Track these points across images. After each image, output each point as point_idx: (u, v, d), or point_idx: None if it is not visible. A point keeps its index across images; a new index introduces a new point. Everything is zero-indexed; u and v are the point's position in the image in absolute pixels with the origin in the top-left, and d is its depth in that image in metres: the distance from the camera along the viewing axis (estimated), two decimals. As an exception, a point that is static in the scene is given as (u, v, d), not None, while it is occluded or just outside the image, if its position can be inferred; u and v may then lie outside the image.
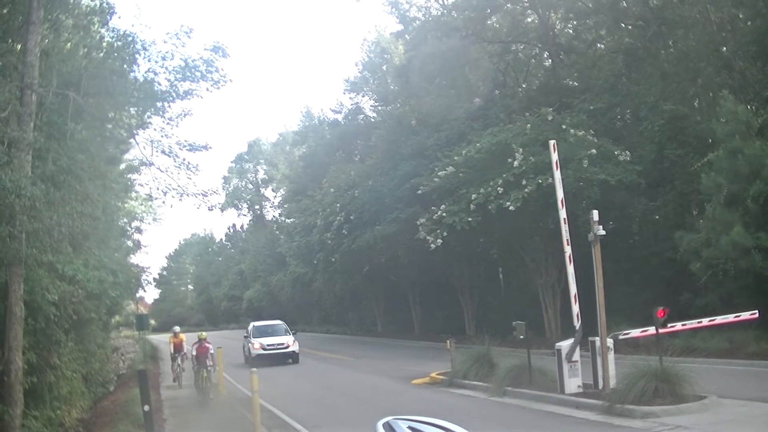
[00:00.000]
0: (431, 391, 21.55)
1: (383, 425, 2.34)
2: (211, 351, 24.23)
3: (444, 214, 31.89)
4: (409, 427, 2.27)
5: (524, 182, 28.94)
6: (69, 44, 23.54)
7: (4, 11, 20.12)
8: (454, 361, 22.51)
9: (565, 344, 17.90)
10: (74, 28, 23.90)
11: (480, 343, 22.85)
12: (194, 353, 24.66)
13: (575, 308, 17.27)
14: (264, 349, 35.07)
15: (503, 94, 41.89)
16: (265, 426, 17.01)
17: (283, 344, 35.55)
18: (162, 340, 64.54)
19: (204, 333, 26.34)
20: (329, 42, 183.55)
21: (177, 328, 30.30)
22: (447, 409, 17.72)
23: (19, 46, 19.02)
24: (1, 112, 17.40)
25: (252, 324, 39.73)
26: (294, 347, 35.60)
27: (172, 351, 28.76)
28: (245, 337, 38.68)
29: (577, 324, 17.40)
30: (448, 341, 23.12)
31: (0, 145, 16.29)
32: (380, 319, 55.64)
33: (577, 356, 17.76)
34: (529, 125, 31.66)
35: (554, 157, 17.98)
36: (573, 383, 17.70)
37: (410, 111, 42.30)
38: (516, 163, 29.63)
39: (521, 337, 19.98)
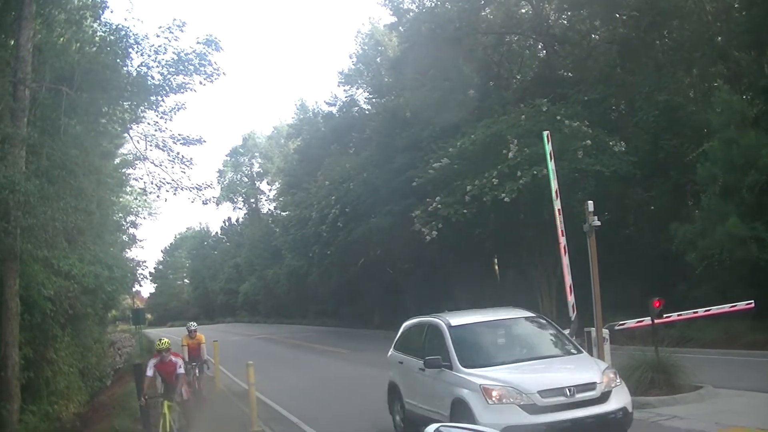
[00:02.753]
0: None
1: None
2: (181, 370, 15.41)
3: (439, 206, 31.82)
4: None
5: (519, 173, 28.89)
6: (62, 39, 23.50)
7: (-4, 6, 20.09)
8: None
9: (561, 335, 17.82)
10: (67, 23, 23.85)
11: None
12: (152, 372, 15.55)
13: (571, 299, 17.24)
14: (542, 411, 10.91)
15: (498, 85, 41.80)
16: (261, 419, 17.01)
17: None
18: (159, 335, 64.74)
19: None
20: (323, 34, 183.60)
21: (193, 325, 21.28)
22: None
23: (11, 42, 18.99)
24: (-6, 107, 17.44)
25: (443, 321, 13.51)
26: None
27: (186, 359, 18.85)
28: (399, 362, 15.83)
29: (573, 315, 17.39)
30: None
31: (-7, 141, 16.27)
32: (377, 312, 55.56)
33: (573, 347, 17.68)
34: (523, 116, 31.62)
35: (549, 148, 17.95)
36: (569, 374, 17.54)
37: (404, 103, 42.25)
38: (511, 155, 29.58)
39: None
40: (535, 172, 27.76)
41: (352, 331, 49.11)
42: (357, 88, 64.43)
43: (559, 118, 30.22)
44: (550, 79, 37.46)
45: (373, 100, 59.74)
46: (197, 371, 20.34)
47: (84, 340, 27.03)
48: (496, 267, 44.05)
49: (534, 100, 32.92)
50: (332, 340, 41.54)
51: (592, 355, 14.46)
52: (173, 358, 15.24)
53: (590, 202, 16.98)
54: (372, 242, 42.42)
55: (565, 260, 17.27)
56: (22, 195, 15.58)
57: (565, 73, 39.36)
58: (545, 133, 18.49)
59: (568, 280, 17.18)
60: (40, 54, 19.70)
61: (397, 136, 39.60)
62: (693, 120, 28.99)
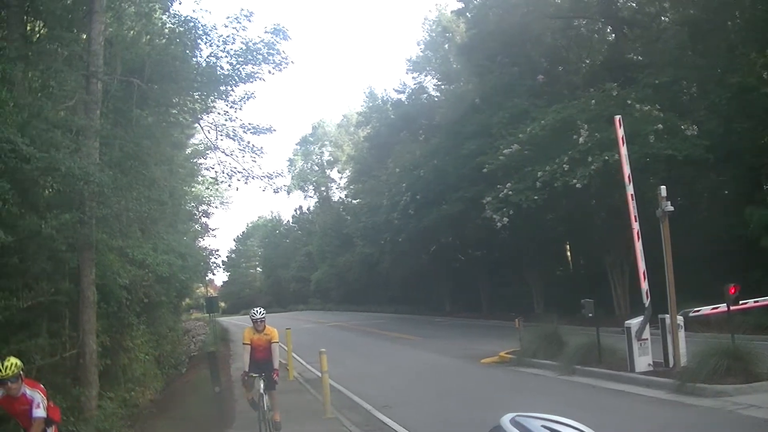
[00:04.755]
0: (500, 370, 21.42)
1: (510, 421, 2.20)
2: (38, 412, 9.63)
3: (510, 192, 31.55)
4: (544, 426, 2.12)
5: (590, 159, 28.44)
6: (132, 32, 23.86)
7: (68, 1, 20.41)
8: (522, 339, 22.32)
9: (634, 322, 17.61)
10: (136, 16, 24.21)
11: (548, 321, 22.60)
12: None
13: (644, 285, 16.98)
14: None
15: (566, 70, 41.29)
16: (335, 406, 17.07)
17: None
18: (233, 323, 65.41)
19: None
20: (390, 21, 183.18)
21: (260, 311, 14.65)
22: (516, 388, 17.64)
23: (83, 36, 19.29)
24: (68, 101, 17.74)
25: None
26: None
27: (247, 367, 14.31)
28: None
29: (647, 301, 17.11)
30: (516, 320, 22.94)
31: (68, 133, 16.55)
32: (448, 299, 55.51)
33: (647, 334, 17.47)
34: (593, 101, 31.12)
35: (620, 132, 17.68)
36: (643, 361, 17.41)
37: (473, 89, 42.01)
38: (581, 140, 29.14)
39: (590, 315, 19.68)
40: (606, 158, 27.30)
41: (423, 318, 49.09)
42: (425, 75, 64.28)
43: (629, 102, 29.65)
44: (620, 63, 36.81)
45: (442, 86, 59.57)
46: (261, 387, 14.09)
47: (159, 328, 27.49)
48: (568, 253, 43.65)
49: (603, 84, 32.38)
50: (404, 327, 41.53)
51: (666, 342, 14.19)
52: (27, 391, 9.61)
53: (663, 187, 16.70)
54: (443, 229, 42.32)
55: (638, 246, 17.01)
56: (96, 186, 15.81)
57: (635, 57, 38.61)
58: (617, 117, 18.22)
59: (642, 265, 16.92)
60: (111, 47, 19.99)
61: (466, 123, 39.38)
62: (766, 102, 28.20)
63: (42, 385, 10.08)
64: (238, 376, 26.38)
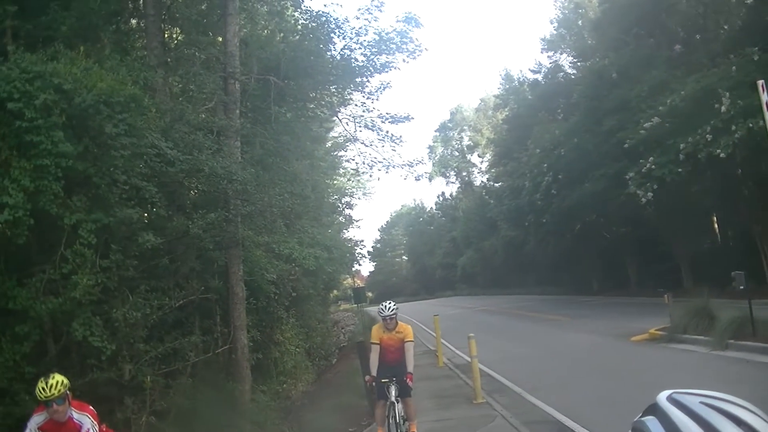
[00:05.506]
0: (651, 347, 20.75)
1: (667, 398, 2.03)
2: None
3: (653, 166, 30.61)
4: (702, 402, 1.94)
5: (733, 127, 27.20)
6: (265, 31, 24.31)
7: (203, 6, 20.95)
8: (672, 315, 21.58)
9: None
10: (269, 15, 24.65)
11: (698, 296, 21.77)
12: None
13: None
14: None
15: (704, 38, 39.63)
16: (485, 391, 16.97)
17: None
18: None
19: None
20: (522, 1, 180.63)
21: (390, 305, 12.41)
22: (669, 366, 17.03)
23: (219, 39, 19.73)
24: (208, 102, 18.21)
25: None
26: None
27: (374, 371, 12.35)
28: None
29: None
30: (665, 296, 22.22)
31: (210, 135, 16.97)
32: (595, 278, 54.51)
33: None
34: (734, 68, 29.70)
35: (764, 98, 16.78)
36: (802, 334, 16.57)
37: (610, 64, 40.99)
38: (723, 108, 27.90)
39: (741, 287, 18.81)
40: (750, 125, 26.05)
41: (570, 299, 48.31)
42: (560, 53, 63.15)
43: (772, 65, 28.22)
44: (760, 27, 35.03)
45: (578, 63, 58.36)
46: (393, 394, 12.14)
47: (308, 320, 27.93)
48: (716, 225, 42.04)
49: (744, 49, 30.93)
50: (551, 308, 40.95)
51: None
52: (74, 414, 8.25)
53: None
54: (587, 208, 41.58)
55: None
56: (239, 184, 16.16)
57: (775, 18, 36.72)
58: (759, 82, 17.31)
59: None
60: (246, 47, 20.38)
61: (604, 99, 38.48)
62: None
63: (92, 407, 8.41)
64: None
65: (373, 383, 12.26)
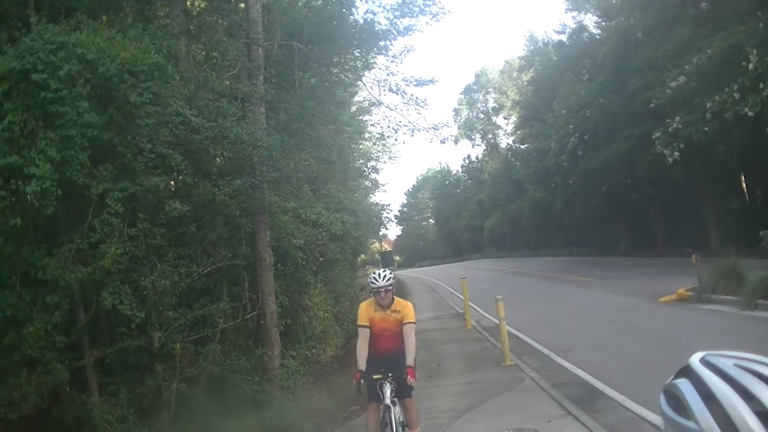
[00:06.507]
0: (679, 308, 20.67)
1: (700, 361, 2.00)
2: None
3: (679, 126, 30.35)
4: (736, 365, 1.91)
5: (761, 85, 26.81)
6: (288, -4, 24.15)
7: (225, -28, 20.86)
8: (700, 276, 21.46)
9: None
10: (291, -20, 24.50)
11: (726, 256, 21.61)
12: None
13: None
14: None
15: (731, -6, 39.09)
16: (514, 353, 17.02)
17: None
18: (409, 275, 66.11)
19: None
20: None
21: (384, 274, 9.58)
22: (698, 326, 16.95)
23: (242, 5, 19.66)
24: (231, 69, 18.19)
25: None
26: None
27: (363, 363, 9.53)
28: None
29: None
30: (693, 256, 22.09)
31: (234, 101, 16.96)
32: (622, 239, 54.32)
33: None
34: (761, 24, 29.20)
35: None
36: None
37: (635, 24, 40.48)
38: (751, 66, 27.49)
39: (769, 246, 18.68)
40: (779, 83, 25.73)
41: (598, 260, 48.19)
42: (585, 13, 62.36)
43: (801, 22, 27.74)
44: (788, -18, 34.50)
45: (603, 23, 57.67)
46: (388, 395, 9.28)
47: (336, 285, 28.03)
48: (744, 185, 41.65)
49: (772, 5, 30.42)
50: (579, 269, 40.87)
51: None
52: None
53: None
54: (613, 168, 41.43)
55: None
56: (265, 150, 16.16)
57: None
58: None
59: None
60: (268, 13, 20.29)
61: (630, 59, 38.10)
62: None
63: None
64: (417, 329, 26.55)
65: (362, 380, 9.23)
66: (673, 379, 2.01)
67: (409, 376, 8.95)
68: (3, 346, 11.73)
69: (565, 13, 69.49)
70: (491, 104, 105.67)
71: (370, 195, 51.28)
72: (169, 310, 13.61)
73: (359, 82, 27.62)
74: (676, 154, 30.90)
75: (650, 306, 21.57)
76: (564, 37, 62.88)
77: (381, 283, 9.31)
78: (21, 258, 11.97)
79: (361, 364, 9.29)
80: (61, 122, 11.20)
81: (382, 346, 9.51)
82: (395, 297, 9.64)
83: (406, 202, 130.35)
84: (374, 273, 9.66)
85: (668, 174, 38.09)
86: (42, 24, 12.26)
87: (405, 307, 9.54)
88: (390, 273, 9.64)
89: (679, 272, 25.77)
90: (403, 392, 9.35)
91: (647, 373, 11.89)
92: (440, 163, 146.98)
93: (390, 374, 9.22)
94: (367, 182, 50.19)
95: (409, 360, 9.12)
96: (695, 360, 2.07)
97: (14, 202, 11.02)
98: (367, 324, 9.47)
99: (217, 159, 17.44)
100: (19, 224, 11.18)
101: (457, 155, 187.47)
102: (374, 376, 9.24)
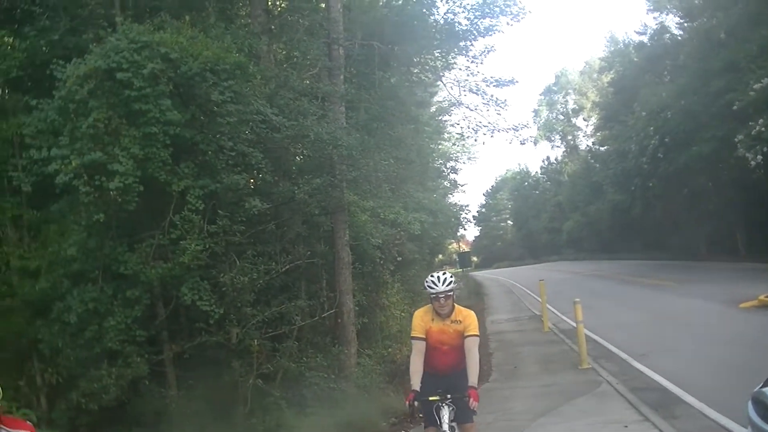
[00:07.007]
0: (760, 314, 20.06)
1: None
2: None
3: (762, 128, 29.73)
4: None
5: None
6: (368, -4, 24.20)
7: (307, -28, 20.98)
8: (782, 282, 20.88)
9: None
10: (372, -20, 24.53)
11: (811, 262, 20.96)
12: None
13: None
14: None
15: (816, -7, 37.99)
16: (591, 356, 16.79)
17: None
18: (486, 277, 65.71)
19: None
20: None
21: (445, 278, 7.83)
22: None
23: (322, 5, 19.74)
24: (312, 69, 18.29)
25: None
26: None
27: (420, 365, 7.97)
28: None
29: None
30: (775, 262, 21.48)
31: (314, 100, 17.06)
32: (703, 243, 53.23)
33: None
34: None
35: None
36: None
37: (718, 24, 39.74)
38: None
39: None
40: None
41: (678, 264, 47.20)
42: (666, 14, 61.23)
43: None
44: None
45: (685, 24, 56.58)
46: (446, 419, 7.70)
47: (413, 285, 27.95)
48: (831, 190, 40.50)
49: None
50: (658, 273, 40.12)
51: None
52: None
53: None
54: (694, 171, 40.80)
55: None
56: (344, 149, 16.18)
57: None
58: None
59: None
60: (349, 13, 20.35)
61: (712, 60, 37.40)
62: None
63: (29, 423, 6.20)
64: (494, 330, 26.30)
65: (416, 402, 7.70)
66: (761, 386, 1.91)
67: (471, 399, 7.48)
68: (85, 339, 12.01)
69: (647, 13, 68.48)
70: (571, 105, 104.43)
71: (449, 195, 51.09)
72: (247, 306, 13.72)
73: (439, 82, 27.61)
74: (759, 157, 30.24)
75: (730, 311, 21.05)
76: (645, 38, 61.98)
77: (440, 287, 7.76)
78: (103, 253, 12.25)
79: (415, 383, 7.76)
80: (144, 120, 11.41)
81: (440, 363, 8.04)
82: (456, 305, 8.08)
83: (484, 202, 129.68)
84: (432, 276, 7.95)
85: (751, 177, 37.21)
86: (127, 23, 12.52)
87: (467, 317, 8.00)
88: (451, 276, 8.00)
89: (762, 278, 25.13)
90: (463, 417, 7.85)
91: (727, 379, 11.60)
92: (519, 164, 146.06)
93: (449, 396, 7.74)
94: (445, 182, 50.02)
95: (472, 379, 7.66)
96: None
97: (98, 197, 11.26)
98: (423, 336, 7.97)
99: (297, 157, 17.53)
100: (102, 219, 11.43)
101: (536, 156, 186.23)
102: (430, 398, 7.75)
